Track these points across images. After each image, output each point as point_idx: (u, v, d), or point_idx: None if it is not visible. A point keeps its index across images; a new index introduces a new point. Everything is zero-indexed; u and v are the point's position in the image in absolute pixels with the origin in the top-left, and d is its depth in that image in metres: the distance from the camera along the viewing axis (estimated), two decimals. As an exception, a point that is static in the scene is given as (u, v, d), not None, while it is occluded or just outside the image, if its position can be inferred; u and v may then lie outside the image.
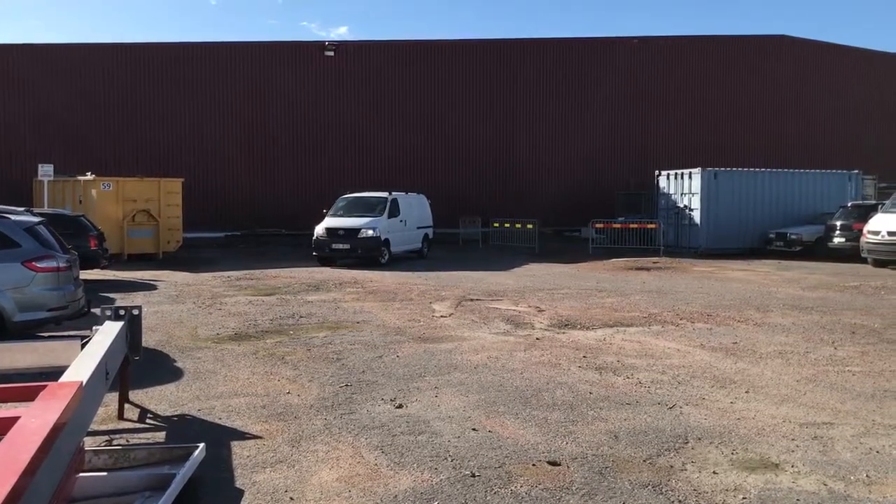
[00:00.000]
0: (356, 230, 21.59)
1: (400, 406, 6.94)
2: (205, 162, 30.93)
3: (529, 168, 34.70)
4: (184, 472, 4.84)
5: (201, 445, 5.28)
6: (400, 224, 23.08)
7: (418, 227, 24.59)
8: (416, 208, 24.50)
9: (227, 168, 31.45)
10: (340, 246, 21.50)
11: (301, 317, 12.26)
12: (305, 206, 31.44)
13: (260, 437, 6.08)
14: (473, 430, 6.22)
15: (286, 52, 32.95)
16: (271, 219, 31.16)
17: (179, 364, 8.78)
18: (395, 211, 22.84)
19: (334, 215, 22.49)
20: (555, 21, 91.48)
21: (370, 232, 21.52)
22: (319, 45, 33.45)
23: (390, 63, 33.61)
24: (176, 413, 6.83)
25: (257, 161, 31.86)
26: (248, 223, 30.77)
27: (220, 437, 6.06)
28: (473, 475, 5.20)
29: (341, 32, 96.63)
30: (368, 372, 8.32)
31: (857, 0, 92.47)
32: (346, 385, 7.73)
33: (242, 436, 6.13)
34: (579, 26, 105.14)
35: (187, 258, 23.33)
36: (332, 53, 33.03)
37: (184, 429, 6.38)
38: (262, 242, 29.07)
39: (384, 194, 23.32)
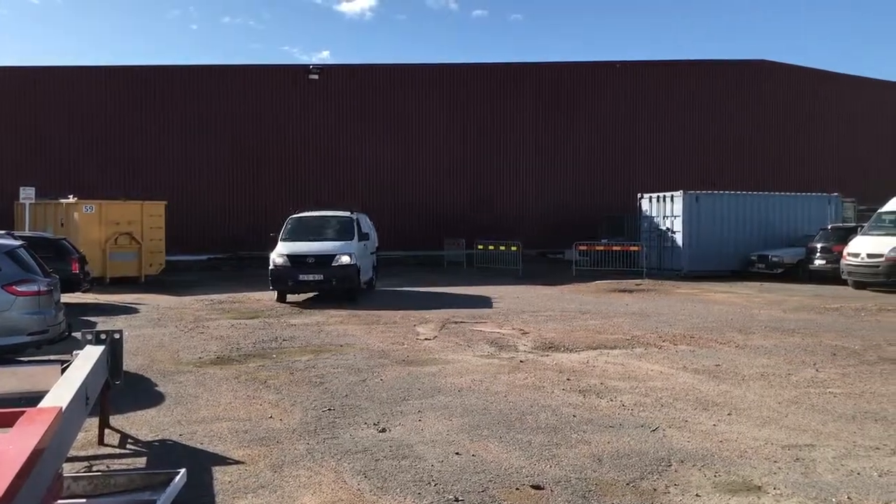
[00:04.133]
0: (329, 257, 17.57)
1: (383, 430, 6.92)
2: (189, 184, 30.83)
3: (513, 190, 34.86)
4: (164, 498, 4.79)
5: (182, 471, 5.23)
6: (364, 249, 19.43)
7: (371, 253, 21.06)
8: (370, 231, 21.19)
9: (211, 191, 31.35)
10: (310, 277, 17.30)
11: (284, 340, 12.21)
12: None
13: (242, 462, 6.03)
14: (457, 454, 6.20)
15: (271, 75, 33.02)
16: (255, 242, 30.99)
17: (161, 388, 8.71)
18: (361, 233, 19.04)
19: (291, 239, 18.43)
20: (535, 46, 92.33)
21: (345, 259, 17.50)
22: (304, 69, 33.57)
23: (375, 86, 33.74)
24: (157, 438, 6.77)
25: (242, 184, 31.80)
26: (232, 246, 30.65)
27: (202, 463, 6.01)
28: (457, 500, 5.18)
29: (324, 56, 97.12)
30: (352, 396, 8.29)
31: (840, 27, 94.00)
32: (329, 409, 7.69)
33: (224, 461, 6.08)
34: (562, 51, 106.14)
35: (170, 281, 23.20)
36: (316, 77, 33.12)
37: (165, 454, 6.33)
38: (246, 265, 28.96)
39: (345, 213, 19.70)
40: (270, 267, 17.67)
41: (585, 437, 6.70)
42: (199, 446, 6.49)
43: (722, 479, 5.61)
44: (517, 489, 5.40)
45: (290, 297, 18.11)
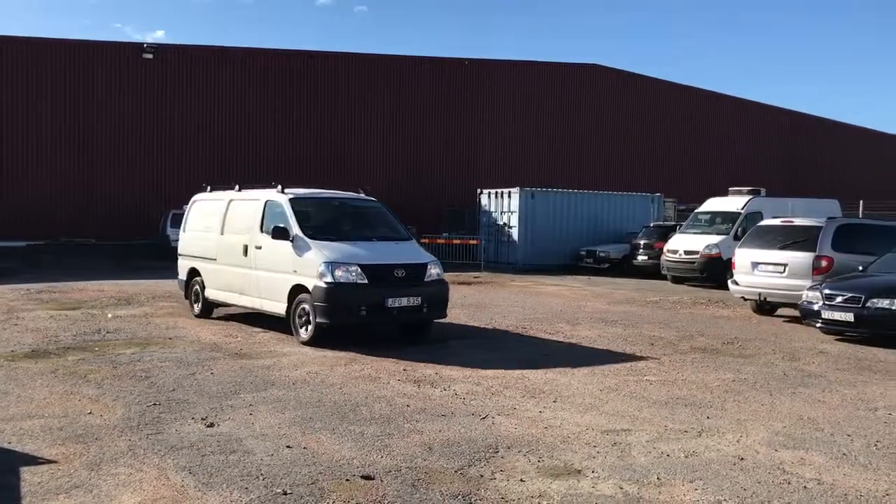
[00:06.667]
0: (419, 268, 11.50)
1: (211, 425, 6.70)
2: (5, 164, 28.59)
3: (359, 182, 34.68)
4: (-37, 504, 4.37)
5: (-16, 473, 4.86)
6: None
7: None
8: None
9: (31, 172, 29.21)
10: (403, 302, 10.97)
11: (108, 332, 11.58)
12: (120, 215, 29.86)
13: (55, 462, 5.67)
14: (288, 447, 6.12)
15: (101, 52, 31.11)
16: (79, 227, 29.21)
17: (-35, 385, 8.03)
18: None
19: (324, 237, 11.32)
20: (380, 39, 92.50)
21: (436, 271, 11.77)
22: (137, 47, 31.92)
23: (211, 67, 32.61)
24: (-43, 439, 6.24)
25: (67, 165, 29.81)
26: (54, 231, 28.69)
27: (9, 463, 5.59)
28: (285, 493, 5.11)
29: (158, 36, 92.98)
30: (179, 390, 7.98)
31: (670, 37, 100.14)
32: (155, 404, 7.37)
33: (35, 461, 5.68)
34: (406, 46, 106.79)
35: (-19, 269, 21.41)
36: (150, 56, 31.58)
37: (-34, 456, 5.84)
38: (70, 253, 27.11)
39: (360, 195, 13.33)
40: (323, 284, 10.61)
41: (418, 426, 6.80)
42: (6, 446, 6.04)
43: (545, 464, 5.85)
44: (347, 480, 5.40)
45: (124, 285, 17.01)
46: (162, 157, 31.35)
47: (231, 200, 13.25)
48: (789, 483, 5.54)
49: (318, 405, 7.46)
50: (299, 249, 11.13)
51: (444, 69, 37.28)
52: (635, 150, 41.36)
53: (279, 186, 12.27)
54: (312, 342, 10.75)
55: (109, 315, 13.47)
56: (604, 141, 40.61)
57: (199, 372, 8.89)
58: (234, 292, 12.69)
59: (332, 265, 10.68)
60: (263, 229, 11.94)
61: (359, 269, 10.75)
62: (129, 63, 31.23)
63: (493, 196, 28.45)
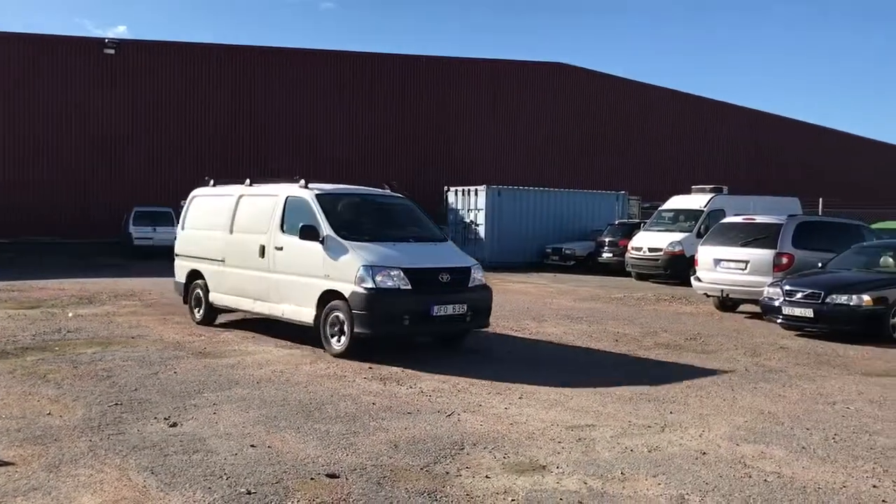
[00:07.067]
0: (463, 272, 10.40)
1: (174, 424, 6.62)
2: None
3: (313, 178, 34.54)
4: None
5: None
6: None
7: None
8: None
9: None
10: (448, 310, 9.93)
11: (68, 332, 11.38)
12: (83, 214, 29.45)
13: (12, 464, 5.56)
14: (252, 446, 6.07)
15: (60, 46, 30.63)
16: (42, 226, 28.73)
17: (-81, 386, 7.85)
18: None
19: (356, 237, 10.17)
20: (347, 36, 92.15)
21: (480, 276, 10.67)
22: (98, 42, 31.45)
23: (173, 63, 32.26)
24: (-89, 441, 6.09)
25: (27, 164, 29.33)
26: (14, 230, 28.16)
27: (-35, 466, 5.48)
28: (249, 492, 5.07)
29: (120, 31, 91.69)
30: (141, 389, 7.87)
31: (630, 37, 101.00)
32: (116, 404, 7.26)
33: (-9, 463, 5.58)
34: (372, 43, 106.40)
35: (-64, 268, 20.94)
36: (112, 51, 31.13)
37: (-80, 459, 5.70)
38: (31, 251, 26.61)
39: (386, 191, 12.12)
40: (362, 290, 9.53)
41: (383, 424, 6.78)
42: (-38, 448, 5.92)
43: (511, 461, 5.87)
44: (312, 479, 5.37)
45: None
46: (121, 153, 30.93)
47: (241, 196, 11.91)
48: (750, 476, 5.62)
49: (282, 404, 7.40)
50: (332, 251, 9.97)
51: (409, 66, 37.23)
52: (600, 148, 41.71)
53: (302, 181, 11.06)
54: (347, 354, 9.72)
55: (70, 314, 13.26)
56: (569, 139, 40.87)
57: (161, 371, 8.78)
58: (248, 298, 11.48)
59: (372, 269, 9.59)
60: (285, 228, 10.75)
61: (401, 274, 9.67)
62: (90, 59, 30.79)
63: (459, 194, 28.50)
